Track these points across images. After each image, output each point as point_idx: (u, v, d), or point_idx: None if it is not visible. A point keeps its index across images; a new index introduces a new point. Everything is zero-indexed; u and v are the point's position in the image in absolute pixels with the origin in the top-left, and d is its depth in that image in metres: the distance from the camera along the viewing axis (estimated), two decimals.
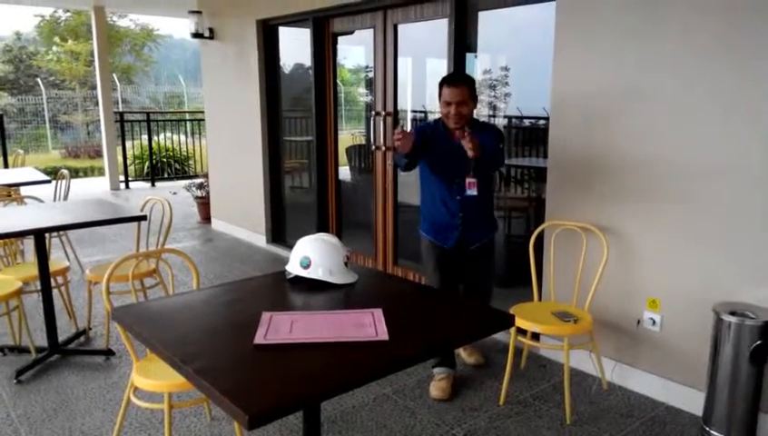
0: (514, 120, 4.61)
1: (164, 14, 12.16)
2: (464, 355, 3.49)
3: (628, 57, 2.99)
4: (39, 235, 3.46)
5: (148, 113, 11.06)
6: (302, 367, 1.58)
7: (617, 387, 3.21)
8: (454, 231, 3.14)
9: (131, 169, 10.69)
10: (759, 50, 2.55)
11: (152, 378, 2.33)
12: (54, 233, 4.96)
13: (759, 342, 2.51)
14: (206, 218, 7.28)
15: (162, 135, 11.23)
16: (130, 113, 14.08)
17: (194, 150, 11.00)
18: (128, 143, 10.42)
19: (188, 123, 11.47)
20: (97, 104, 10.64)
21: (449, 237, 3.15)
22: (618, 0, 2.99)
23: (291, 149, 6.10)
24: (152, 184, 10.34)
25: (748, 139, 2.63)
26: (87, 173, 13.20)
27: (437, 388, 3.10)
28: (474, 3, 3.93)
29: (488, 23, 4.03)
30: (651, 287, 3.05)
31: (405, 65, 4.63)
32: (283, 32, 5.82)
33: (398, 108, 4.63)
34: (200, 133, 10.79)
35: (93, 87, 14.41)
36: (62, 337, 3.71)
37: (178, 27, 31.65)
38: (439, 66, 4.16)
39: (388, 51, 4.55)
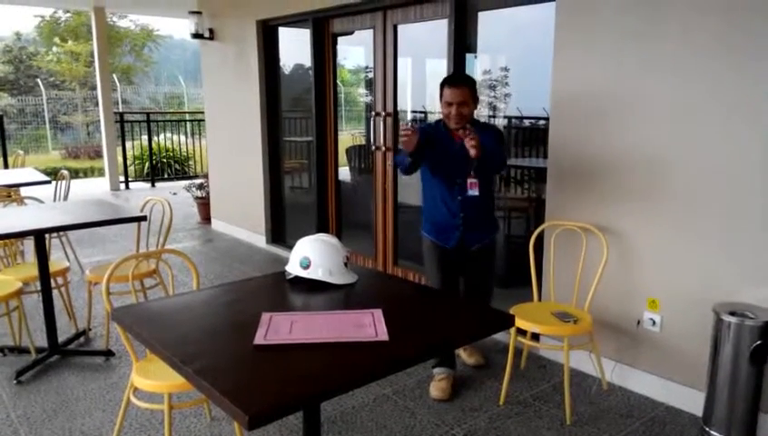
0: (514, 120, 4.61)
1: (164, 15, 12.16)
2: (464, 356, 3.49)
3: (628, 57, 2.99)
4: (39, 236, 3.46)
5: (148, 114, 11.07)
6: (302, 367, 1.58)
7: (617, 387, 3.21)
8: (455, 231, 3.14)
9: (131, 169, 10.70)
10: (759, 50, 2.55)
11: (152, 378, 2.33)
12: (54, 234, 4.96)
13: (759, 342, 2.51)
14: (206, 218, 7.28)
15: (162, 136, 11.24)
16: (130, 113, 14.08)
17: (194, 150, 11.00)
18: (128, 144, 10.42)
19: (188, 123, 11.48)
20: (97, 104, 10.65)
21: (451, 237, 3.15)
22: (618, 0, 3.00)
23: (291, 149, 6.10)
24: (152, 185, 10.34)
25: (748, 139, 2.63)
26: (87, 173, 13.20)
27: (437, 388, 3.10)
28: (474, 3, 3.93)
29: (488, 23, 4.03)
30: (651, 287, 3.05)
31: (405, 66, 4.63)
32: (283, 32, 5.82)
33: (398, 109, 4.63)
34: (200, 134, 10.79)
35: (93, 88, 14.41)
36: (62, 338, 3.71)
37: (178, 28, 31.71)
38: (439, 67, 4.16)
39: (387, 51, 4.55)
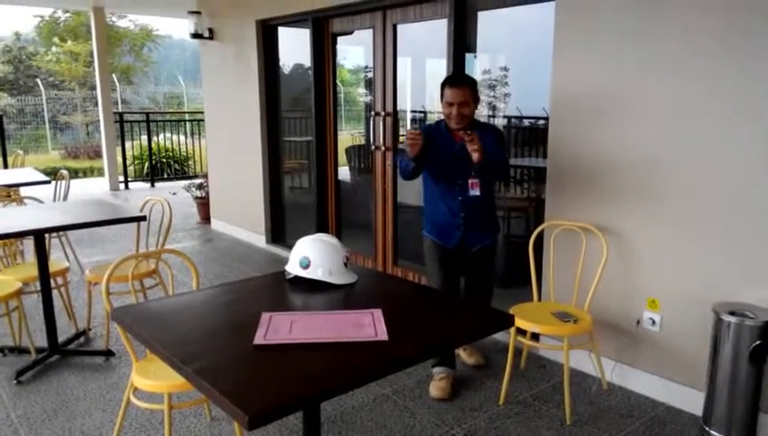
0: (513, 120, 4.61)
1: (164, 15, 12.16)
2: (464, 356, 3.49)
3: (628, 57, 2.99)
4: (39, 236, 3.46)
5: (147, 114, 11.06)
6: (302, 367, 1.58)
7: (617, 387, 3.21)
8: (456, 231, 3.14)
9: (130, 169, 10.70)
10: (759, 50, 2.55)
11: (152, 378, 2.33)
12: (54, 234, 4.95)
13: (758, 342, 2.51)
14: (206, 218, 7.28)
15: (161, 136, 11.24)
16: (129, 113, 14.08)
17: (194, 150, 11.00)
18: (127, 144, 10.42)
19: (187, 123, 11.47)
20: (96, 104, 10.64)
21: (452, 237, 3.16)
22: (618, 0, 3.00)
23: (291, 149, 6.10)
24: (152, 185, 10.34)
25: (748, 139, 2.63)
26: (87, 173, 13.19)
27: (436, 387, 3.10)
28: (473, 3, 3.93)
29: (488, 23, 4.03)
30: (651, 287, 3.05)
31: (404, 66, 4.63)
32: (283, 32, 5.82)
33: (398, 108, 4.63)
34: (199, 134, 10.79)
35: (93, 88, 14.40)
36: (61, 338, 3.70)
37: (177, 28, 31.67)
38: (439, 67, 4.16)
39: (387, 51, 4.55)
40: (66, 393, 3.17)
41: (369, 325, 1.81)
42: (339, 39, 5.19)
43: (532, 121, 4.60)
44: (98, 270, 3.64)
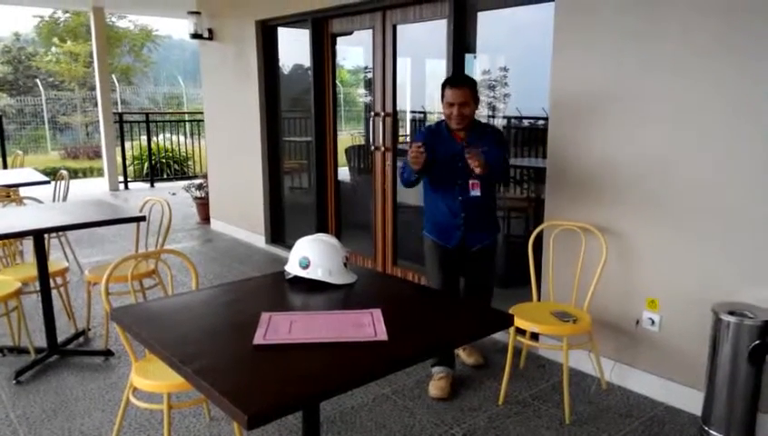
0: (513, 120, 4.61)
1: (163, 15, 12.17)
2: (463, 355, 3.49)
3: (628, 58, 2.99)
4: (38, 236, 3.45)
5: (147, 114, 11.06)
6: (301, 367, 1.58)
7: (616, 387, 3.21)
8: (456, 231, 3.15)
9: (130, 170, 10.69)
10: (759, 50, 2.55)
11: (152, 378, 2.33)
12: (54, 234, 4.95)
13: (757, 342, 2.51)
14: (205, 219, 7.28)
15: (161, 136, 11.23)
16: (129, 113, 14.07)
17: (193, 151, 11.00)
18: (127, 144, 10.42)
19: (187, 123, 11.47)
20: (96, 104, 10.63)
21: (452, 237, 3.16)
22: (618, 0, 3.00)
23: (291, 149, 6.10)
24: (152, 185, 10.34)
25: (748, 139, 2.63)
26: (86, 173, 13.19)
27: (436, 387, 3.10)
28: (473, 3, 3.94)
29: (487, 23, 4.04)
30: (650, 287, 3.05)
31: (404, 66, 4.63)
32: (282, 32, 5.82)
33: (398, 109, 4.63)
34: (199, 134, 10.79)
35: (93, 88, 14.39)
36: (61, 338, 3.70)
37: (177, 28, 31.71)
38: (438, 67, 4.17)
39: (387, 51, 4.55)
40: (66, 393, 3.17)
41: (368, 325, 1.81)
42: (339, 39, 5.20)
43: (531, 121, 4.60)
44: (97, 270, 3.64)
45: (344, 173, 5.62)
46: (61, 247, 5.16)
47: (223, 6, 6.25)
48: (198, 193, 7.46)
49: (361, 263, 4.94)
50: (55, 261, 3.94)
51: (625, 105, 3.03)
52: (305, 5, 5.04)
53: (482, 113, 4.41)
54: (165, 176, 10.84)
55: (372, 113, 4.75)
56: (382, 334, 1.74)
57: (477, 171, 2.82)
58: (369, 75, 4.83)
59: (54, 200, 5.22)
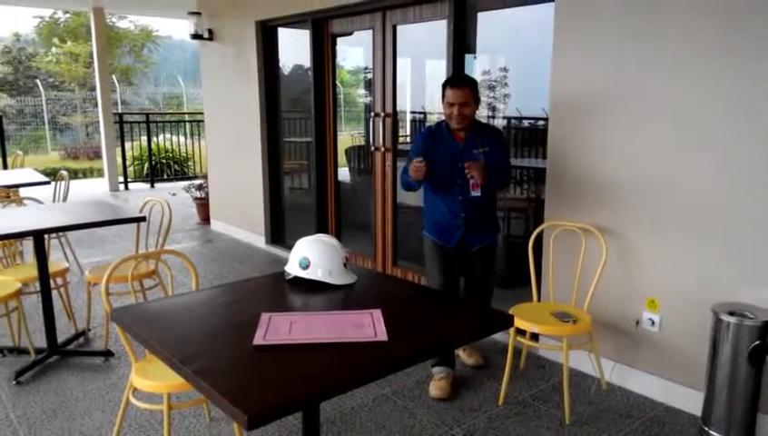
0: (513, 121, 4.61)
1: (164, 16, 12.17)
2: (463, 356, 3.49)
3: (628, 58, 2.99)
4: (38, 236, 3.45)
5: (147, 115, 11.07)
6: (301, 368, 1.58)
7: (616, 387, 3.21)
8: (456, 231, 3.15)
9: (130, 170, 10.69)
10: (759, 51, 2.55)
11: (152, 379, 2.33)
12: (54, 235, 4.95)
13: (757, 343, 2.51)
14: (205, 219, 7.28)
15: (161, 136, 11.23)
16: (129, 114, 14.08)
17: (194, 151, 11.00)
18: (127, 145, 10.42)
19: (187, 124, 11.47)
20: (96, 105, 10.64)
21: (452, 237, 3.17)
22: (618, 0, 3.00)
23: (291, 150, 6.10)
24: (152, 186, 10.34)
25: (748, 139, 2.63)
26: (86, 174, 13.19)
27: (436, 387, 3.10)
28: (473, 4, 3.94)
29: (487, 24, 4.04)
30: (650, 287, 3.05)
31: (404, 66, 4.63)
32: (282, 33, 5.82)
33: (398, 109, 4.63)
34: (199, 135, 10.79)
35: (93, 88, 14.40)
36: (61, 338, 3.70)
37: (177, 28, 31.67)
38: (438, 68, 4.17)
39: (387, 52, 4.55)
40: (66, 394, 3.17)
41: (368, 325, 1.81)
42: (339, 40, 5.20)
43: (531, 121, 4.60)
44: (98, 270, 3.64)
45: (344, 173, 5.62)
46: (61, 247, 5.16)
47: (223, 7, 6.25)
48: (198, 194, 7.46)
49: (361, 264, 4.94)
50: (55, 261, 3.94)
51: (626, 105, 3.03)
52: (305, 6, 5.04)
53: (482, 113, 4.41)
54: (165, 177, 10.84)
55: (372, 114, 4.75)
56: (382, 335, 1.74)
57: (474, 183, 2.93)
58: (369, 76, 4.83)
59: (54, 200, 5.22)
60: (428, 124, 4.68)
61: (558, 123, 3.36)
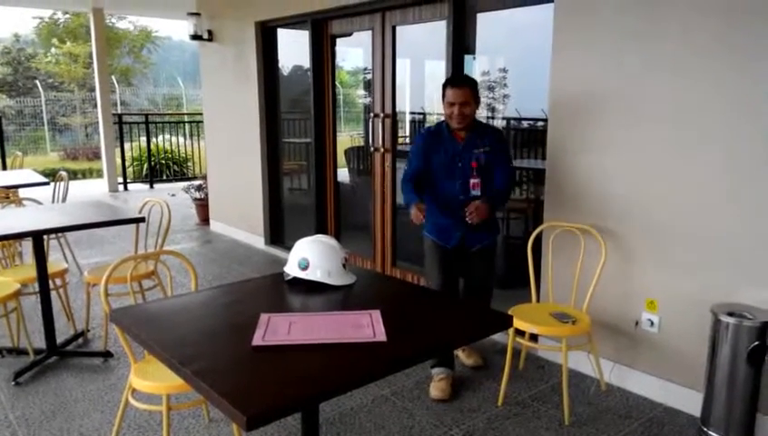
0: (512, 121, 4.62)
1: (163, 16, 12.17)
2: (462, 356, 3.49)
3: (628, 58, 2.99)
4: (37, 237, 3.45)
5: (147, 115, 11.08)
6: (301, 368, 1.58)
7: (616, 388, 3.21)
8: (456, 231, 3.15)
9: (129, 171, 10.69)
10: (759, 50, 2.56)
11: (151, 380, 2.33)
12: (53, 235, 4.95)
13: (756, 343, 2.51)
14: (205, 220, 7.27)
15: (160, 137, 11.23)
16: (128, 115, 14.08)
17: (193, 152, 11.00)
18: (126, 145, 10.42)
19: (186, 124, 11.47)
20: (96, 106, 10.64)
21: (452, 237, 3.17)
22: (617, 0, 3.00)
23: (290, 151, 6.10)
24: (151, 186, 10.34)
25: (748, 139, 2.63)
26: (86, 174, 13.18)
27: (436, 388, 3.10)
28: (472, 4, 3.94)
29: (487, 24, 4.04)
30: (649, 288, 3.05)
31: (403, 67, 4.63)
32: (282, 34, 5.82)
33: (397, 110, 4.63)
34: (198, 135, 10.79)
35: (92, 89, 14.39)
36: (60, 339, 3.70)
37: (177, 29, 31.62)
38: (438, 68, 4.17)
39: (386, 53, 4.55)
40: (65, 394, 3.16)
41: (367, 326, 1.81)
42: (339, 41, 5.20)
43: (531, 122, 4.61)
44: (97, 271, 3.64)
45: (343, 174, 5.62)
46: (60, 248, 5.16)
47: (223, 7, 6.26)
48: (197, 195, 7.46)
49: (360, 264, 4.93)
50: (55, 262, 3.94)
51: (625, 106, 3.03)
52: (305, 7, 5.04)
53: (481, 114, 4.41)
54: (165, 177, 10.84)
55: (372, 115, 4.75)
56: (381, 335, 1.74)
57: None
58: (369, 77, 4.84)
59: (53, 201, 5.22)
60: (427, 125, 4.69)
61: (558, 124, 3.36)
